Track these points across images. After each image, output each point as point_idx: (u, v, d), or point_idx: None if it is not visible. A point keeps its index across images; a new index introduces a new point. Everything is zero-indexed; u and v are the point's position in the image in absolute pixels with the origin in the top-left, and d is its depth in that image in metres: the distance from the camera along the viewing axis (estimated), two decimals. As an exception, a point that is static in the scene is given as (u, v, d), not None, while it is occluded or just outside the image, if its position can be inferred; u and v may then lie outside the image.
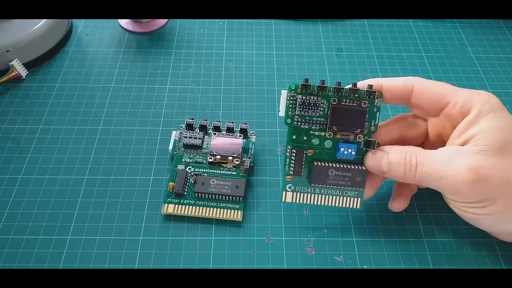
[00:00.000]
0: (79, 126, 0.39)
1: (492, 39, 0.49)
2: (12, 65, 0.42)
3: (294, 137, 0.31)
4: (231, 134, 0.37)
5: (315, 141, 0.31)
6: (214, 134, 0.36)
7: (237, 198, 0.33)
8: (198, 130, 0.37)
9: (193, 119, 0.37)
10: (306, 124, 0.31)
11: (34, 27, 0.44)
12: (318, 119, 0.31)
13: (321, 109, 0.30)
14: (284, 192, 0.32)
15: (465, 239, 0.33)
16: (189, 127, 0.37)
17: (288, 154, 0.31)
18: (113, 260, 0.31)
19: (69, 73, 0.44)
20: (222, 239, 0.32)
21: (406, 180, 0.29)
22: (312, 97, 0.30)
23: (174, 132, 0.37)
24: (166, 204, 0.33)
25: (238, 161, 0.35)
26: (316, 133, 0.31)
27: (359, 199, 0.31)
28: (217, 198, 0.33)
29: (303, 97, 0.30)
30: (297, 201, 0.32)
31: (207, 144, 0.36)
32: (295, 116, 0.31)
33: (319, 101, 0.30)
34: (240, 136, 0.36)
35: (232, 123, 0.37)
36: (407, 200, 0.33)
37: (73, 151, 0.37)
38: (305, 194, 0.32)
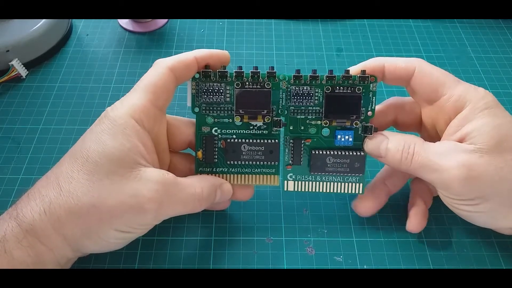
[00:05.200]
0: (79, 126, 0.39)
1: (492, 39, 0.49)
2: (12, 65, 0.42)
3: (291, 127, 0.31)
4: (256, 84, 0.30)
5: (312, 130, 0.31)
6: (238, 85, 0.30)
7: (272, 162, 0.31)
8: (218, 79, 0.30)
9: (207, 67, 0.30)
10: (302, 114, 0.31)
11: (34, 27, 0.44)
12: (314, 108, 0.31)
13: (316, 98, 0.31)
14: (285, 182, 0.32)
15: (465, 239, 0.33)
16: (206, 76, 0.30)
17: (286, 144, 0.31)
18: (113, 260, 0.31)
19: (69, 73, 0.44)
20: (222, 239, 0.32)
21: (401, 167, 0.29)
22: (305, 87, 0.30)
23: (189, 83, 0.31)
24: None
25: (268, 119, 0.31)
26: (313, 122, 0.31)
27: (361, 184, 0.31)
28: (250, 163, 0.31)
29: (296, 87, 0.30)
30: (299, 190, 0.32)
31: (230, 95, 0.31)
32: (291, 107, 0.31)
33: (313, 90, 0.30)
34: (268, 85, 0.30)
35: (256, 68, 0.30)
36: (424, 217, 0.32)
37: (73, 151, 0.38)
38: (307, 182, 0.32)
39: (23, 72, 0.43)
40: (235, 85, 0.30)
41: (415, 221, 0.32)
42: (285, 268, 0.31)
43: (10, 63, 0.42)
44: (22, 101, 0.42)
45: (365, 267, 0.31)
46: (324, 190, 0.32)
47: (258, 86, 0.30)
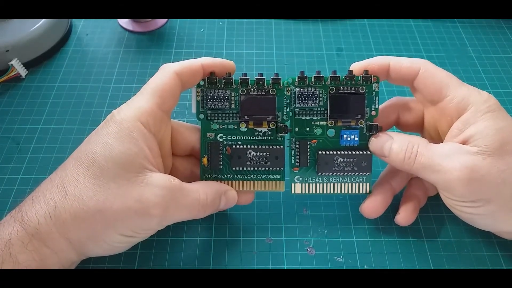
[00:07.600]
0: (78, 126, 0.39)
1: (492, 39, 0.49)
2: (12, 64, 0.42)
3: (297, 129, 0.31)
4: (261, 90, 0.31)
5: (318, 131, 0.31)
6: (243, 92, 0.31)
7: (278, 168, 0.31)
8: (223, 86, 0.31)
9: (212, 74, 0.31)
10: (307, 115, 0.31)
11: (33, 27, 0.43)
12: (318, 109, 0.31)
13: (320, 99, 0.31)
14: (293, 184, 0.32)
15: (466, 239, 0.33)
16: (211, 83, 0.31)
17: (292, 146, 0.31)
18: (113, 261, 0.31)
19: (68, 73, 0.44)
20: (222, 239, 0.32)
21: (404, 167, 0.29)
22: (309, 89, 0.31)
23: (194, 90, 0.31)
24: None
25: (273, 125, 0.31)
26: (318, 123, 0.31)
27: (368, 183, 0.32)
28: (256, 169, 0.31)
29: (301, 89, 0.30)
30: (307, 192, 0.32)
31: (235, 102, 0.31)
32: (296, 109, 0.31)
33: (317, 91, 0.31)
34: (273, 91, 0.31)
35: (261, 74, 0.31)
36: (414, 213, 0.32)
37: (73, 151, 0.37)
38: (314, 184, 0.32)
39: (22, 72, 0.43)
40: (240, 92, 0.30)
41: (404, 214, 0.32)
42: (285, 268, 0.31)
43: (9, 63, 0.42)
44: (21, 101, 0.42)
45: (365, 267, 0.31)
46: (331, 192, 0.32)
47: (263, 93, 0.31)
